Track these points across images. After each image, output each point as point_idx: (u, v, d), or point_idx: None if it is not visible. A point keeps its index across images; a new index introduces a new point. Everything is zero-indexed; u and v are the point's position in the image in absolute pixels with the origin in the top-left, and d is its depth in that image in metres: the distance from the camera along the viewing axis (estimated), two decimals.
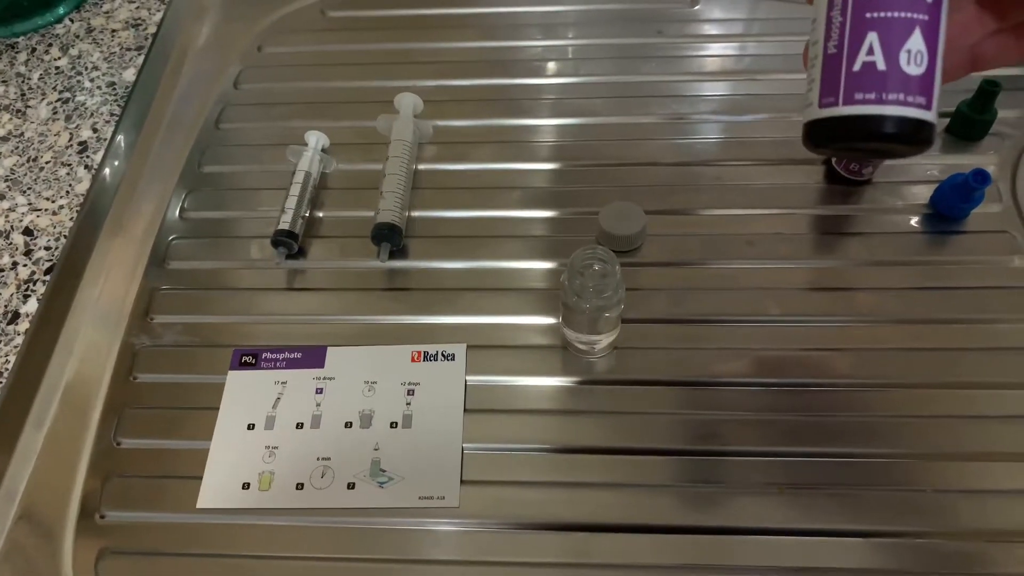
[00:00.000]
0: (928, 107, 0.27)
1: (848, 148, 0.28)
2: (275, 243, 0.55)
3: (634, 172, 0.60)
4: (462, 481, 0.46)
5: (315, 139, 0.61)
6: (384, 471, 0.46)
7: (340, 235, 0.58)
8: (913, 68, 0.26)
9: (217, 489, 0.47)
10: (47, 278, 0.56)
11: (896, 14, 0.26)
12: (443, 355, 0.51)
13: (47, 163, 0.63)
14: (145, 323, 0.54)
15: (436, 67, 0.68)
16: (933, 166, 0.58)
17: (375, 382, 0.50)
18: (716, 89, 0.65)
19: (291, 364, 0.51)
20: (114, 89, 0.68)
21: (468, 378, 0.50)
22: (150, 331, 0.54)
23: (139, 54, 0.70)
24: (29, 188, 0.61)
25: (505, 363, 0.51)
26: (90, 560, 0.45)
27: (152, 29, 0.72)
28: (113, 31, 0.73)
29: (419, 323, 0.53)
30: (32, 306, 0.55)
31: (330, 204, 0.60)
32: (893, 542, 0.43)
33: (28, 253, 0.58)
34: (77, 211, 0.59)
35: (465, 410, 0.49)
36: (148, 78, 0.68)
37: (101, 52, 0.71)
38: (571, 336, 0.49)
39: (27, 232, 0.59)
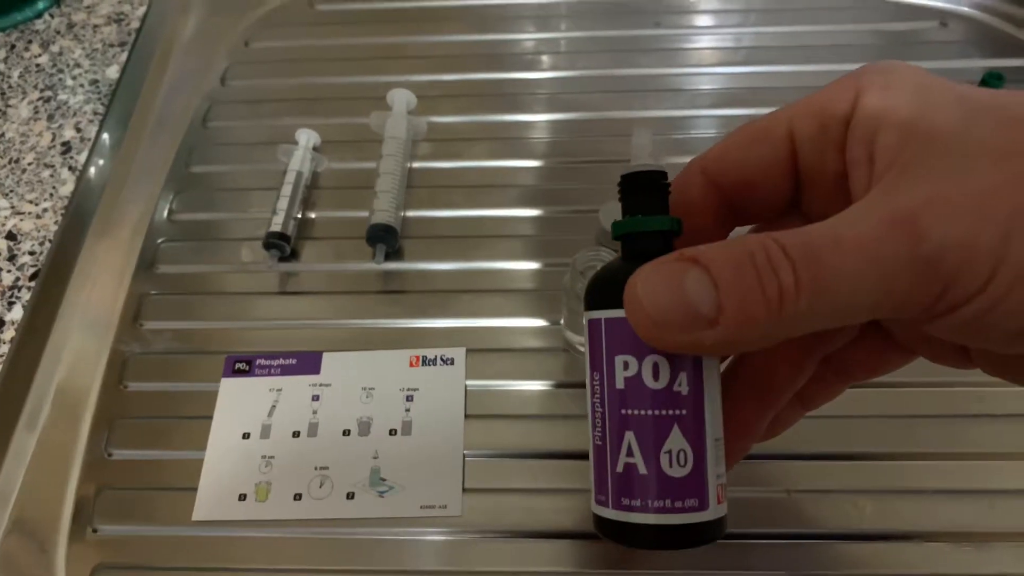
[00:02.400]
0: (702, 507, 0.24)
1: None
2: (267, 245, 0.54)
3: None
4: (464, 489, 0.45)
5: (306, 137, 0.59)
6: (384, 480, 0.45)
7: (334, 236, 0.57)
8: (677, 470, 0.24)
9: (213, 501, 0.46)
10: (32, 284, 0.54)
11: (648, 412, 0.24)
12: (442, 359, 0.50)
13: (29, 164, 0.61)
14: (135, 329, 0.53)
15: (428, 62, 0.67)
16: None
17: (373, 388, 0.49)
18: (715, 83, 0.64)
19: (286, 371, 0.50)
20: (97, 87, 0.66)
21: (468, 383, 0.49)
22: (140, 338, 0.53)
23: (122, 50, 0.69)
24: (11, 191, 0.60)
25: (506, 367, 0.50)
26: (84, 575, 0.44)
27: (135, 24, 0.70)
28: (95, 26, 0.71)
29: (416, 327, 0.52)
30: (18, 313, 0.53)
31: (322, 204, 0.58)
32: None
33: (12, 258, 0.56)
34: (62, 214, 0.58)
35: (466, 416, 0.48)
36: (132, 75, 0.67)
37: (83, 49, 0.69)
38: (574, 339, 0.48)
39: (10, 236, 0.57)
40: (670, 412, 0.24)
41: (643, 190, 0.26)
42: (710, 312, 0.20)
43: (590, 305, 0.26)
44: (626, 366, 0.24)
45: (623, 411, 0.24)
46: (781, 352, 0.27)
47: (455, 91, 0.65)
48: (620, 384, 0.24)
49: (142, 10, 0.71)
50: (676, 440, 0.24)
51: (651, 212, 0.26)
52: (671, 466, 0.24)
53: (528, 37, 0.68)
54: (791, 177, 0.25)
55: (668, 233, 0.26)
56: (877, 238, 0.19)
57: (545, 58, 0.66)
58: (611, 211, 0.54)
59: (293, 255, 0.56)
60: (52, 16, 0.72)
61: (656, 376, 0.24)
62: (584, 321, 0.26)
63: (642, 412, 0.24)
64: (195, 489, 0.46)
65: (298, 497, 0.45)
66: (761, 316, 0.20)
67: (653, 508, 0.24)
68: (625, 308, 0.22)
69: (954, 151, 0.19)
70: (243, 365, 0.50)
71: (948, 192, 0.19)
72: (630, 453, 0.24)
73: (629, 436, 0.24)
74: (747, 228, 0.29)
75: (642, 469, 0.24)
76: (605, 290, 0.25)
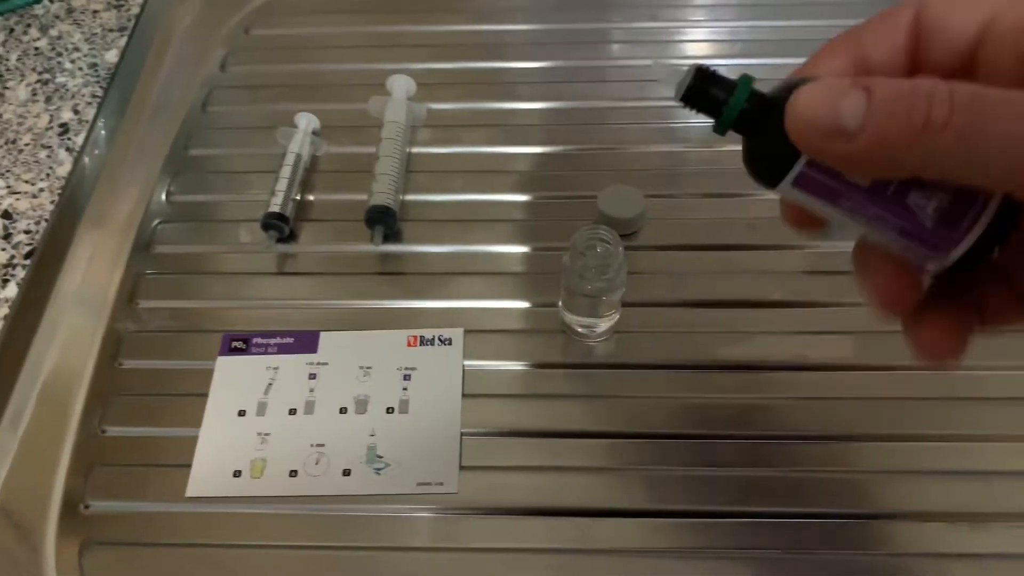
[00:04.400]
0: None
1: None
2: (265, 226, 0.54)
3: (631, 156, 0.59)
4: (461, 467, 0.45)
5: (305, 121, 0.59)
6: (381, 457, 0.45)
7: (332, 218, 0.57)
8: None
9: (207, 477, 0.45)
10: (27, 263, 0.54)
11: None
12: (440, 340, 0.50)
13: (26, 145, 0.61)
14: (130, 308, 0.53)
15: (428, 50, 0.67)
16: None
17: (370, 367, 0.49)
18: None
19: (283, 349, 0.50)
20: (96, 70, 0.66)
21: (466, 363, 0.49)
22: (136, 316, 0.52)
23: (122, 35, 0.68)
24: (8, 171, 0.59)
25: (503, 348, 0.50)
26: (74, 551, 0.44)
27: (135, 10, 0.70)
28: (95, 11, 0.71)
29: (414, 308, 0.52)
30: (12, 291, 0.53)
31: (321, 187, 0.58)
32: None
33: (7, 237, 0.56)
34: (59, 195, 0.57)
35: (463, 395, 0.48)
36: (131, 60, 0.66)
37: (82, 33, 0.69)
38: (571, 320, 0.48)
39: (6, 215, 0.57)
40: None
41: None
42: (852, 126, 0.21)
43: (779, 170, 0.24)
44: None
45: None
46: None
47: (454, 79, 0.65)
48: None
49: None
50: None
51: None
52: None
53: (528, 28, 0.69)
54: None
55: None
56: None
57: (544, 47, 0.67)
58: (609, 196, 0.54)
59: (291, 236, 0.55)
60: (52, 1, 0.72)
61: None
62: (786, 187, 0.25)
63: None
64: (189, 466, 0.46)
65: (294, 474, 0.45)
66: (897, 139, 0.20)
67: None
68: (787, 108, 0.22)
69: None
70: (240, 343, 0.50)
71: None
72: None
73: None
74: None
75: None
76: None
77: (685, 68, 0.26)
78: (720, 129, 0.25)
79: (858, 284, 0.27)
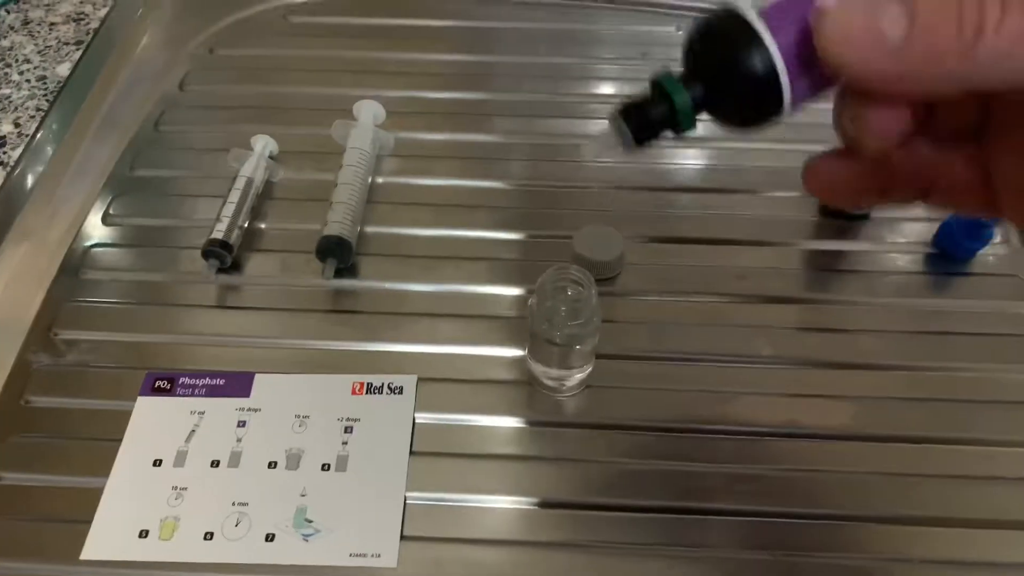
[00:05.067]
0: None
1: None
2: (206, 254, 0.49)
3: (611, 196, 0.55)
4: (402, 537, 0.39)
5: (262, 144, 0.55)
6: (310, 521, 0.39)
7: (282, 249, 0.51)
8: None
9: (108, 536, 0.39)
10: None
11: None
12: (389, 387, 0.44)
13: None
14: (47, 338, 0.47)
15: (403, 78, 0.63)
16: None
17: (307, 416, 0.43)
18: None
19: (212, 392, 0.44)
20: (45, 83, 0.62)
21: (417, 415, 0.43)
22: (51, 348, 0.47)
23: (77, 49, 0.64)
24: None
25: (461, 399, 0.44)
26: None
27: (95, 24, 0.66)
28: (52, 24, 0.67)
29: (365, 351, 0.47)
30: None
31: (274, 215, 0.54)
32: None
33: None
34: None
35: (411, 452, 0.42)
36: (84, 74, 0.62)
37: (35, 45, 0.65)
38: (538, 371, 0.43)
39: None
40: None
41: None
42: (897, 38, 0.19)
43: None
44: None
45: None
46: None
47: (428, 108, 0.61)
48: None
49: (104, 11, 0.67)
50: None
51: None
52: None
53: (508, 60, 0.65)
54: None
55: None
56: None
57: (525, 80, 0.63)
58: (586, 237, 0.49)
59: (235, 267, 0.50)
60: (8, 12, 0.68)
61: None
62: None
63: None
64: (89, 522, 0.39)
65: (209, 536, 0.39)
66: (948, 50, 0.18)
67: None
68: (816, 28, 0.20)
69: None
70: (164, 383, 0.44)
71: None
72: None
73: None
74: None
75: None
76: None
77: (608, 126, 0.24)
78: (691, 125, 0.23)
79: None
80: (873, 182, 0.25)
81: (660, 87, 0.23)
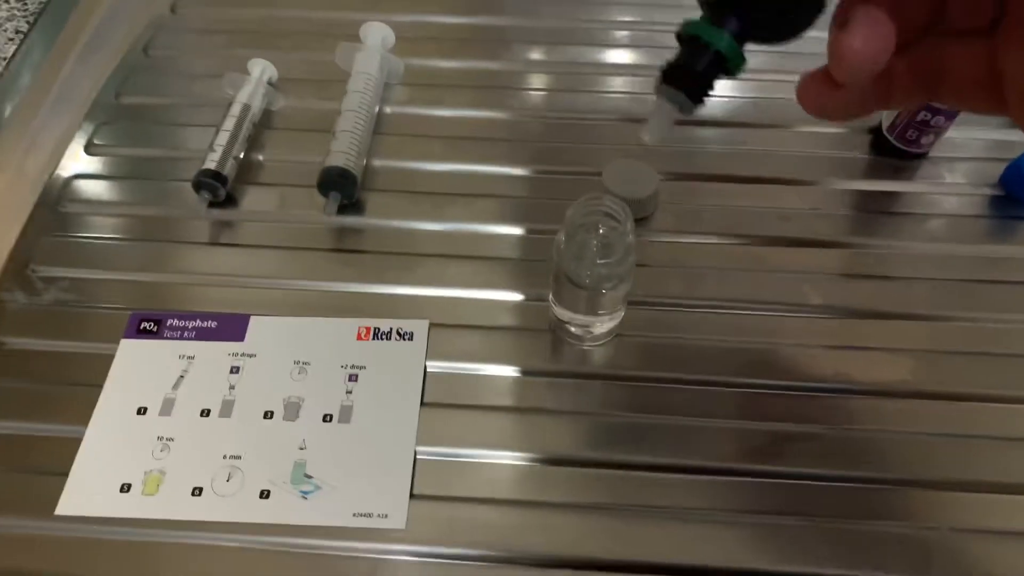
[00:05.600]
0: None
1: None
2: (197, 185, 0.44)
3: (637, 129, 0.50)
4: (412, 495, 0.35)
5: (260, 68, 0.50)
6: (310, 477, 0.35)
7: (281, 183, 0.47)
8: None
9: (86, 491, 0.35)
10: None
11: None
12: (398, 333, 0.40)
13: None
14: (24, 275, 0.43)
15: (413, 1, 0.58)
16: (1004, 142, 0.49)
17: (307, 363, 0.39)
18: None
19: (202, 335, 0.40)
20: (25, 4, 0.57)
21: (428, 364, 0.39)
22: (28, 285, 0.43)
23: None
24: None
25: (477, 347, 0.40)
26: None
27: None
28: None
29: (371, 293, 0.42)
30: None
31: (273, 146, 0.49)
32: None
33: None
34: None
35: (422, 404, 0.38)
36: None
37: None
38: (563, 316, 0.39)
39: None
40: None
41: None
42: None
43: None
44: None
45: None
46: None
47: (441, 34, 0.56)
48: None
49: None
50: None
51: None
52: None
53: None
54: None
55: None
56: None
57: (541, 4, 0.58)
58: (617, 172, 0.44)
59: (229, 200, 0.46)
60: None
61: None
62: None
63: None
64: (65, 475, 0.36)
65: (197, 492, 0.35)
66: None
67: None
68: None
69: None
70: (150, 325, 0.40)
71: None
72: None
73: None
74: None
75: None
76: None
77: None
78: (742, 62, 0.22)
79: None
80: (870, 94, 0.24)
81: (695, 39, 0.22)
